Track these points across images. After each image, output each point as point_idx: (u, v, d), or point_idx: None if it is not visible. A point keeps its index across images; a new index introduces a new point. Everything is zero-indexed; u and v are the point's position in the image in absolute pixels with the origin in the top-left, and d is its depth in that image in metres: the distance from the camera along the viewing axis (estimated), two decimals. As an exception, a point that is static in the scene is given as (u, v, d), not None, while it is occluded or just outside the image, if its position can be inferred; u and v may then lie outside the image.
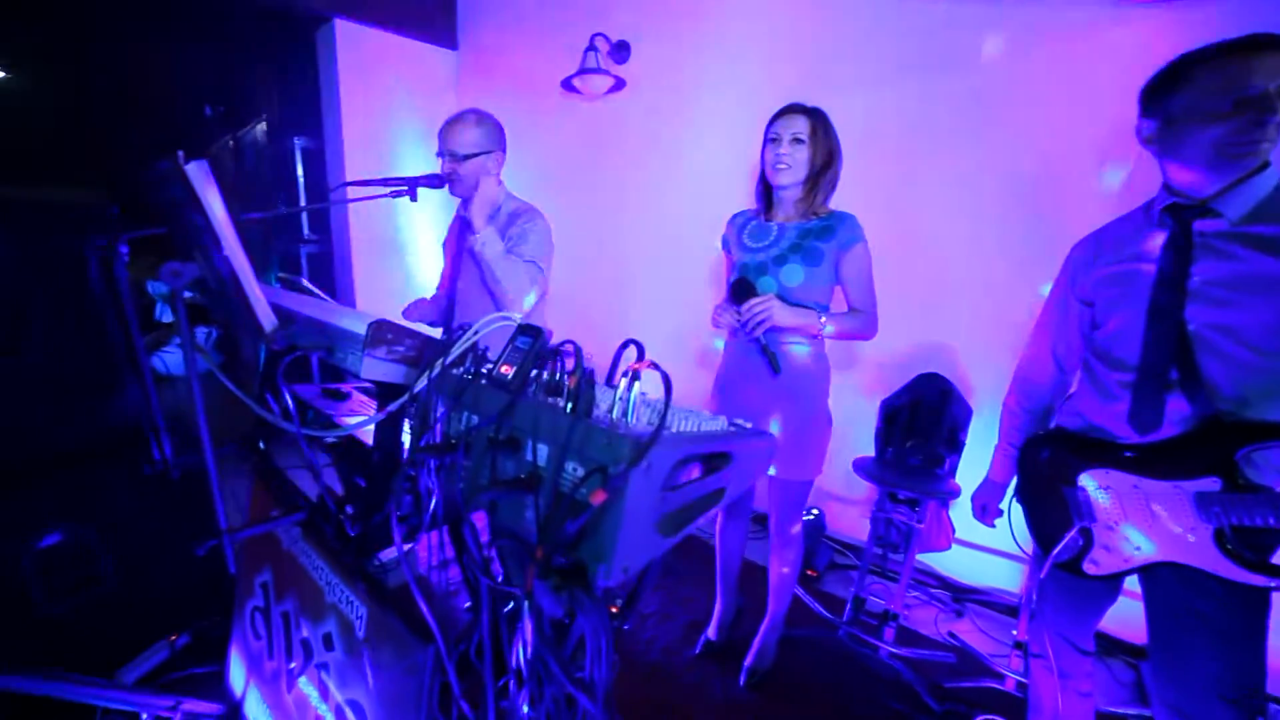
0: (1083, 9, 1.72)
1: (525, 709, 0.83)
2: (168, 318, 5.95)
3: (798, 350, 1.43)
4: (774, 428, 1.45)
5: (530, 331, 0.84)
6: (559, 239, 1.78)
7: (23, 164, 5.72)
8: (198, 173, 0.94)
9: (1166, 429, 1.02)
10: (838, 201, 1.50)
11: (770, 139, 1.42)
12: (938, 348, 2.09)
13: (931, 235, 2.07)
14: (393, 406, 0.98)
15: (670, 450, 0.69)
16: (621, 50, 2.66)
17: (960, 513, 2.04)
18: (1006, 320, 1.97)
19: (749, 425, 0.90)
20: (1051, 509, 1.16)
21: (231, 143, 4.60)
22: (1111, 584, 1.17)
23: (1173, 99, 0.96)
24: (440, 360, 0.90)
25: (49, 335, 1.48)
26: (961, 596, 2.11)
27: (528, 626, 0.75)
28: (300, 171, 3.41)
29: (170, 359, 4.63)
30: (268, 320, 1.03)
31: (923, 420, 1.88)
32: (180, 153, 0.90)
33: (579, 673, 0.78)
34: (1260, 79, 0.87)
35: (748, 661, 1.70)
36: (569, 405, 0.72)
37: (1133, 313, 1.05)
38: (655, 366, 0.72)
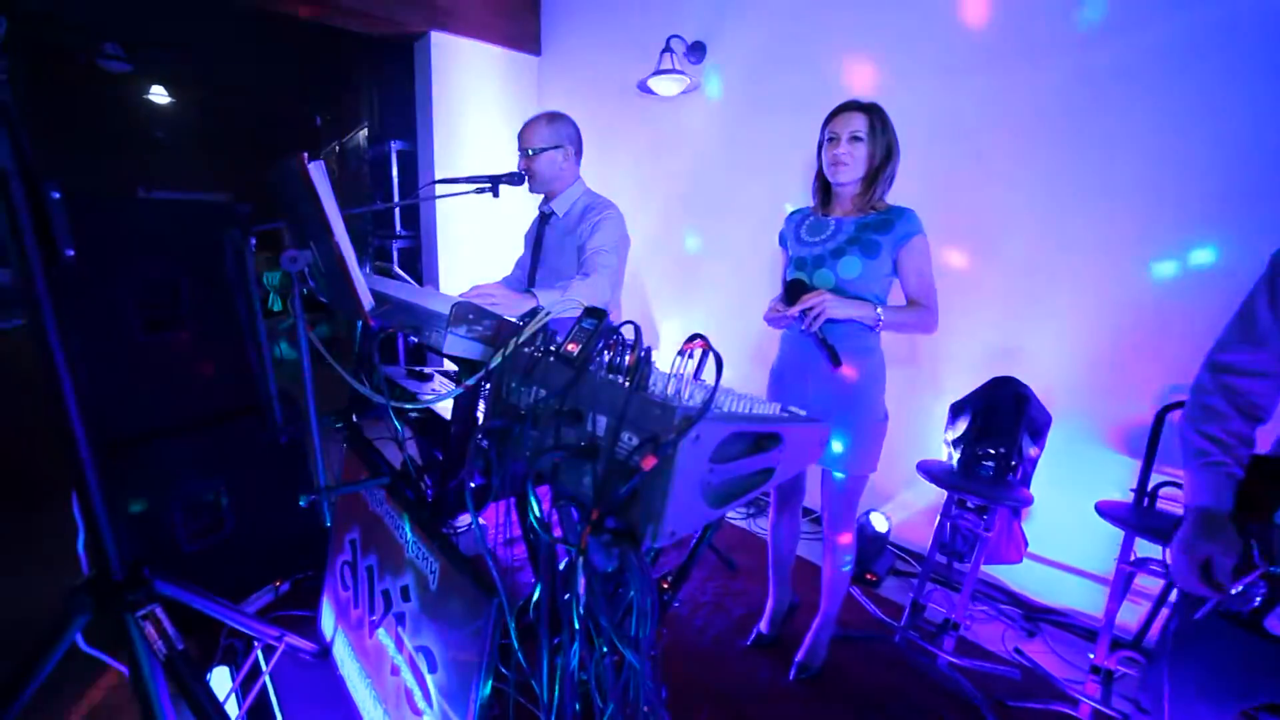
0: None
1: (576, 665, 0.90)
2: (278, 308, 6.61)
3: (855, 344, 1.43)
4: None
5: (595, 314, 0.91)
6: (632, 233, 1.87)
7: (172, 172, 6.59)
8: (316, 171, 1.08)
9: None
10: (914, 195, 1.48)
11: (828, 138, 1.42)
12: (1010, 350, 1.99)
13: (1008, 233, 1.98)
14: (471, 381, 1.08)
15: (718, 425, 0.73)
16: (697, 51, 2.71)
17: (1034, 525, 1.94)
18: (1085, 326, 1.86)
19: (802, 413, 0.93)
20: (1225, 545, 0.93)
21: (337, 148, 5.05)
22: None
23: None
24: (515, 339, 0.99)
25: (194, 315, 1.73)
26: (1035, 615, 1.99)
27: (581, 582, 0.82)
28: (395, 172, 3.70)
29: (282, 344, 5.15)
30: (367, 300, 1.16)
31: (996, 424, 1.80)
32: (305, 154, 1.04)
33: (627, 634, 0.84)
34: None
35: (798, 657, 1.70)
36: (627, 380, 0.78)
37: None
38: (707, 346, 0.77)
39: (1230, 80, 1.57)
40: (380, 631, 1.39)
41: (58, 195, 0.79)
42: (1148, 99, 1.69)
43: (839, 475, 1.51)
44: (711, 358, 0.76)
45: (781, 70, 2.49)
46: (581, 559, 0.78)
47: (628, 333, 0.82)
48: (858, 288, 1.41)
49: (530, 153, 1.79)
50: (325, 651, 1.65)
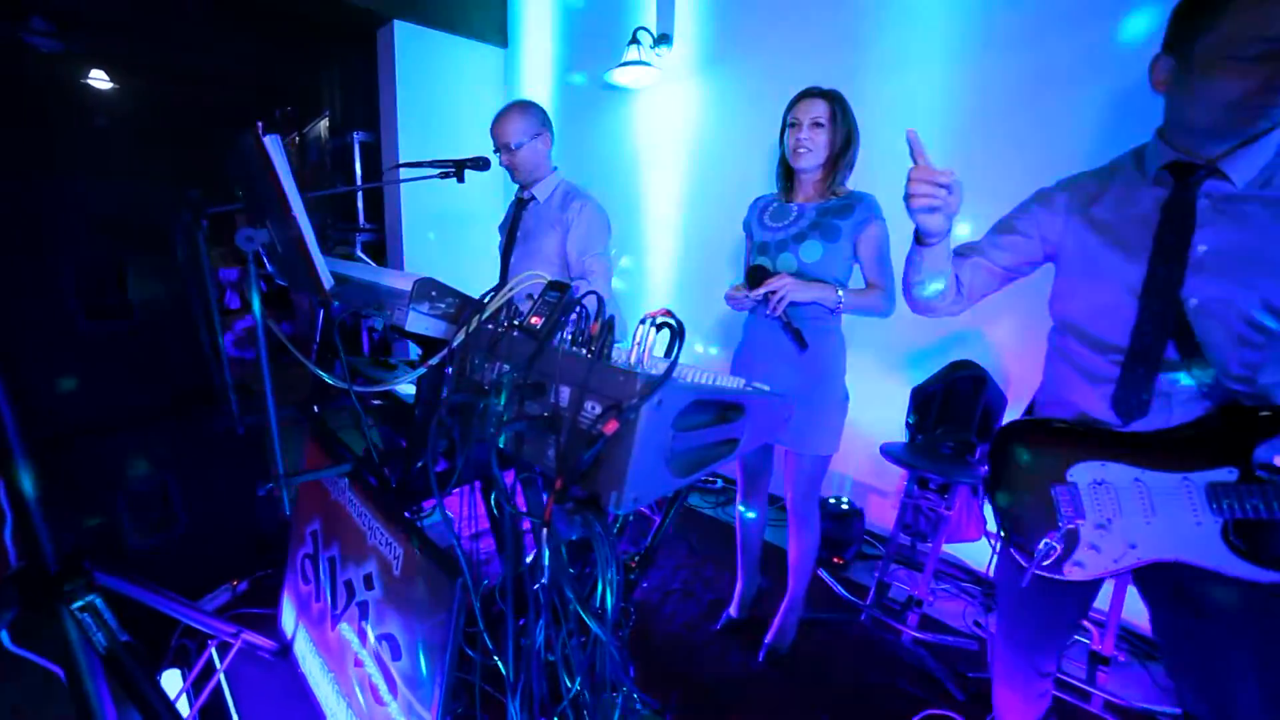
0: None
1: (542, 643, 0.89)
2: (235, 305, 6.39)
3: (816, 326, 1.45)
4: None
5: (558, 287, 0.90)
6: None
7: (120, 159, 6.29)
8: (272, 145, 1.04)
9: (1164, 415, 0.93)
10: (881, 184, 1.50)
11: (790, 123, 1.44)
12: (971, 335, 2.06)
13: (969, 222, 2.04)
14: (434, 360, 1.06)
15: (680, 391, 0.73)
16: (663, 43, 2.72)
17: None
18: (1041, 311, 1.93)
19: (766, 388, 0.94)
20: (1030, 507, 1.04)
21: (297, 139, 4.90)
22: (1087, 592, 1.07)
23: (1200, 35, 0.83)
24: (477, 315, 0.97)
25: (143, 303, 1.66)
26: (994, 592, 2.06)
27: (545, 555, 0.81)
28: (359, 165, 3.61)
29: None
30: (327, 280, 1.13)
31: (955, 407, 1.86)
32: (260, 123, 1.00)
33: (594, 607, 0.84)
34: None
35: (767, 639, 1.72)
36: (589, 349, 0.77)
37: (1118, 284, 0.94)
38: (670, 315, 0.77)
39: None
40: (342, 624, 1.35)
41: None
42: (1106, 87, 1.75)
43: (802, 455, 1.54)
44: (673, 327, 0.76)
45: (746, 61, 2.52)
46: (546, 530, 0.77)
47: (590, 303, 0.82)
48: (819, 271, 1.43)
49: (513, 147, 1.78)
50: (286, 650, 1.60)
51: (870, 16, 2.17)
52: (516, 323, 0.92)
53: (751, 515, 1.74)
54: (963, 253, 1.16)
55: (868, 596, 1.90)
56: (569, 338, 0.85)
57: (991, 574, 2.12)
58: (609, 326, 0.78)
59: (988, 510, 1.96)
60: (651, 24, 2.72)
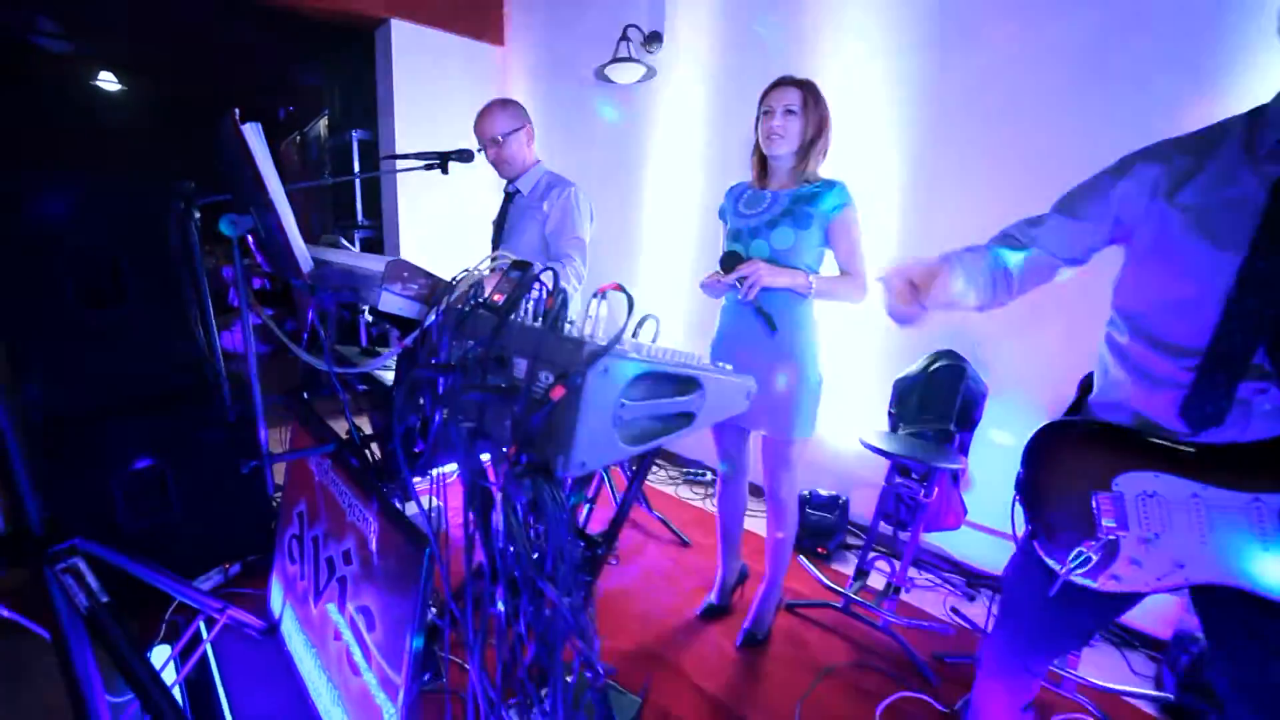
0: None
1: (500, 606, 0.93)
2: (236, 302, 6.49)
3: (789, 311, 1.48)
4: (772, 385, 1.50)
5: (520, 266, 0.94)
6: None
7: (120, 157, 6.40)
8: (251, 132, 1.08)
9: (1240, 427, 0.84)
10: (859, 176, 1.53)
11: (764, 111, 1.48)
12: (955, 328, 2.08)
13: (950, 213, 2.07)
14: (409, 340, 1.10)
15: (627, 360, 0.77)
16: (654, 40, 2.75)
17: (975, 495, 2.02)
18: (1024, 301, 1.94)
19: (729, 368, 0.97)
20: (1068, 512, 0.96)
21: (298, 138, 4.97)
22: (1115, 605, 1.00)
23: None
24: (446, 296, 1.01)
25: (140, 292, 1.71)
26: (976, 582, 2.08)
27: (499, 518, 0.84)
28: (356, 162, 3.67)
29: (237, 337, 5.06)
30: (305, 262, 1.17)
31: (935, 397, 1.88)
32: (237, 110, 1.04)
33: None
34: None
35: (745, 624, 1.75)
36: (543, 321, 0.81)
37: (1200, 278, 0.82)
38: (620, 289, 0.80)
39: (1161, 58, 1.64)
40: (324, 600, 1.39)
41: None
42: (1092, 75, 1.76)
43: (777, 440, 1.57)
44: (625, 301, 0.80)
45: (734, 57, 2.55)
46: (502, 496, 0.80)
47: (548, 279, 0.85)
48: (790, 257, 1.46)
49: (500, 139, 1.84)
50: (273, 629, 1.64)
51: (857, 11, 2.19)
52: (481, 300, 0.96)
53: (724, 468, 1.75)
54: (1016, 242, 1.04)
55: (847, 584, 1.92)
56: (530, 313, 0.88)
57: (972, 563, 2.14)
58: (563, 302, 0.81)
59: (968, 498, 1.98)
60: (643, 22, 2.75)
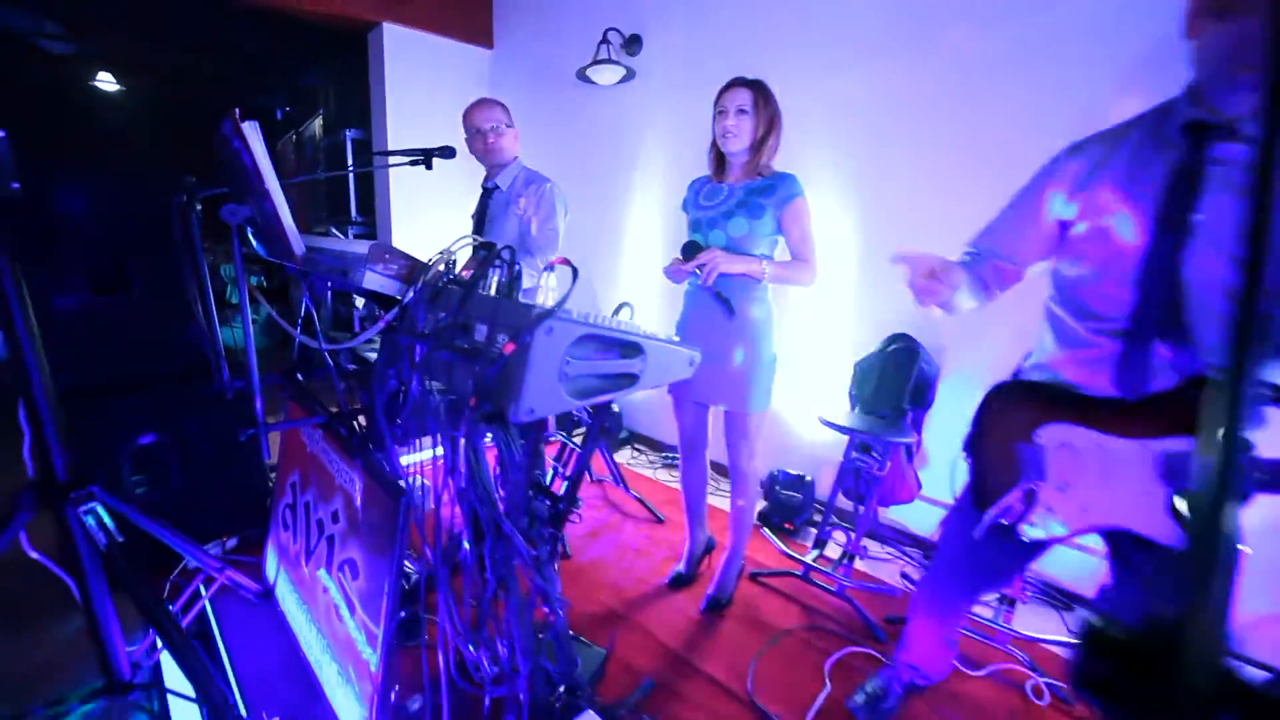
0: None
1: (467, 546, 1.05)
2: (236, 300, 6.60)
3: (745, 295, 1.61)
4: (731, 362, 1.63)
5: (486, 246, 1.06)
6: (574, 211, 2.03)
7: (123, 156, 6.52)
8: (250, 129, 1.21)
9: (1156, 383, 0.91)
10: (828, 173, 1.65)
11: (718, 111, 1.60)
12: (910, 314, 2.21)
13: (904, 204, 2.19)
14: (389, 315, 1.22)
15: (572, 323, 0.89)
16: (634, 43, 2.88)
17: (930, 472, 2.15)
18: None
19: (676, 338, 1.10)
20: (999, 465, 1.05)
21: (294, 137, 5.10)
22: (1032, 549, 1.09)
23: None
24: (423, 275, 1.14)
25: (146, 281, 1.85)
26: (932, 553, 2.21)
27: (461, 461, 0.97)
28: (350, 159, 3.79)
29: (238, 332, 5.17)
30: (298, 246, 1.30)
31: (891, 377, 2.01)
32: (238, 110, 1.17)
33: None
34: None
35: (709, 590, 1.87)
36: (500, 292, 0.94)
37: (1119, 254, 0.90)
38: (567, 263, 0.93)
39: (1102, 61, 1.77)
40: (314, 559, 1.52)
41: (3, 134, 0.91)
42: (1038, 76, 1.89)
43: (736, 414, 1.70)
44: (572, 274, 0.92)
45: (710, 60, 2.68)
46: (464, 442, 0.93)
47: (506, 255, 0.98)
48: (745, 245, 1.59)
49: (502, 127, 1.99)
50: (269, 593, 1.76)
51: (829, 17, 2.32)
52: (451, 277, 1.09)
53: (683, 444, 1.87)
54: (975, 254, 1.16)
55: (807, 554, 2.05)
56: (492, 287, 1.01)
57: (928, 535, 2.26)
58: (517, 275, 0.94)
59: (923, 475, 2.12)
60: (623, 25, 2.88)
